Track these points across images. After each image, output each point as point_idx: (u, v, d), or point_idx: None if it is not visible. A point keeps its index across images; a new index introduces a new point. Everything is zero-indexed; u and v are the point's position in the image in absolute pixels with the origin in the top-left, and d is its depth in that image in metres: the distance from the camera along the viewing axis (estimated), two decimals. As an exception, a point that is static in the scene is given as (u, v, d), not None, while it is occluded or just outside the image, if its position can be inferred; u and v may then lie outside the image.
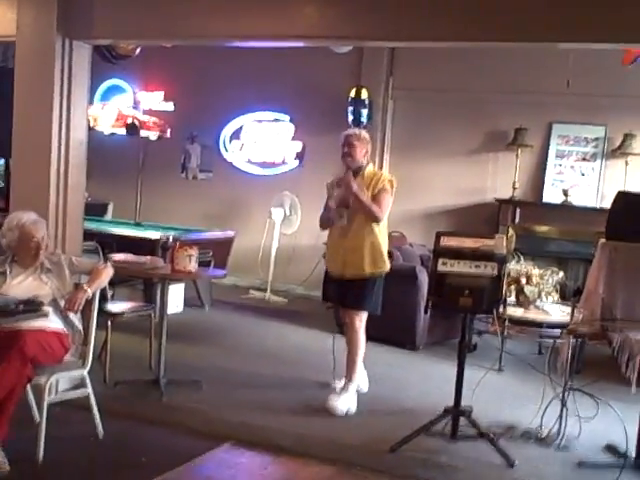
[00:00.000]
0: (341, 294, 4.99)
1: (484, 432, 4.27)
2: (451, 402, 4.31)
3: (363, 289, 4.90)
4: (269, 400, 4.85)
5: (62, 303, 4.03)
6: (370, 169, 5.07)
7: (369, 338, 6.62)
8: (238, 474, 3.83)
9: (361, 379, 5.10)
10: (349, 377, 4.91)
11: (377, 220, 4.88)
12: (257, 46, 5.07)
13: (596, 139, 8.01)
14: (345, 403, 4.77)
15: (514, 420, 4.73)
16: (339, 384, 5.03)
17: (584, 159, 8.06)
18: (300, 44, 4.92)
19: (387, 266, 4.99)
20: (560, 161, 8.15)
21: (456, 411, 4.28)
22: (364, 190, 4.85)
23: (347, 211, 4.90)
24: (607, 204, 7.16)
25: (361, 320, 4.96)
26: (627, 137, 7.69)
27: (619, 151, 7.77)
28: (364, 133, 5.15)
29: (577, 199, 7.89)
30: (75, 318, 4.11)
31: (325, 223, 5.09)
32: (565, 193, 7.89)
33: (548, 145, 8.17)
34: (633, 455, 4.17)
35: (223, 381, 5.23)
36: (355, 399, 4.84)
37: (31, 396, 4.09)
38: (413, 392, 5.28)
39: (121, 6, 4.74)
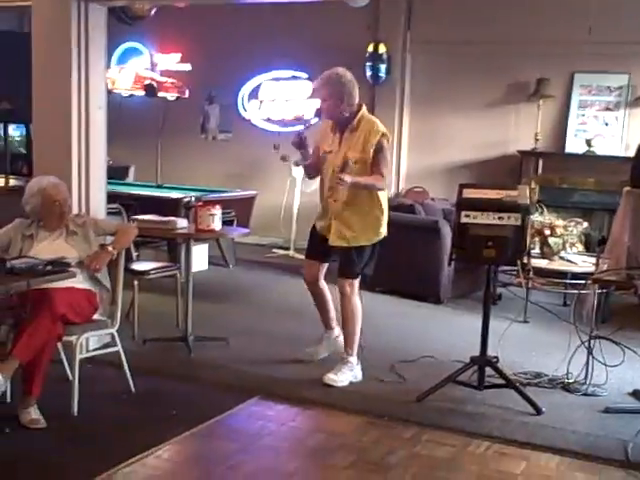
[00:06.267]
0: (325, 253, 4.66)
1: (510, 380, 4.29)
2: (476, 353, 4.33)
3: (351, 256, 4.50)
4: (295, 355, 4.89)
5: (88, 263, 4.08)
6: (363, 117, 4.46)
7: (393, 292, 6.74)
8: (267, 426, 3.89)
9: (357, 371, 4.56)
10: (348, 350, 4.53)
11: (382, 189, 4.48)
12: (272, 1, 5.02)
13: (619, 88, 7.88)
14: (346, 376, 4.45)
15: (540, 368, 4.75)
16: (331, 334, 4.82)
17: (607, 108, 7.95)
18: (316, -2, 4.86)
19: (381, 234, 4.58)
20: (583, 111, 8.04)
21: (482, 360, 4.29)
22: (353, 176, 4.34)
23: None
24: (631, 153, 7.09)
25: (351, 285, 4.51)
26: (651, 84, 7.57)
27: (643, 99, 7.65)
28: (332, 78, 4.42)
29: (601, 149, 7.80)
30: (102, 278, 4.16)
31: (311, 172, 4.76)
32: (588, 143, 7.79)
33: (570, 95, 8.05)
34: (659, 400, 4.19)
35: (249, 337, 5.28)
36: (359, 367, 4.55)
37: (63, 355, 4.18)
38: (438, 344, 5.30)
39: (135, -34, 4.71)
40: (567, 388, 4.47)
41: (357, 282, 4.56)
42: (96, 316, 4.10)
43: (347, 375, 4.48)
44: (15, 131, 9.62)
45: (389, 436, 3.82)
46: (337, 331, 4.84)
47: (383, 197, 4.54)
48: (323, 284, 4.76)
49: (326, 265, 4.73)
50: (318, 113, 9.00)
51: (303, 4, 5.22)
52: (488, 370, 4.31)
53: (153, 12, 7.56)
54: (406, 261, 6.64)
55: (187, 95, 9.02)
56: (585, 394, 4.40)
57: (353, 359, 4.53)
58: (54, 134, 4.84)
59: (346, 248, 4.50)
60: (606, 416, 4.12)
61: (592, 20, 7.22)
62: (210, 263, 7.50)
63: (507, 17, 7.90)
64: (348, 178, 4.27)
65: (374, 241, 4.55)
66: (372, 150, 4.38)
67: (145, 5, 6.95)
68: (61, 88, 4.75)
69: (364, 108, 4.51)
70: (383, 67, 8.63)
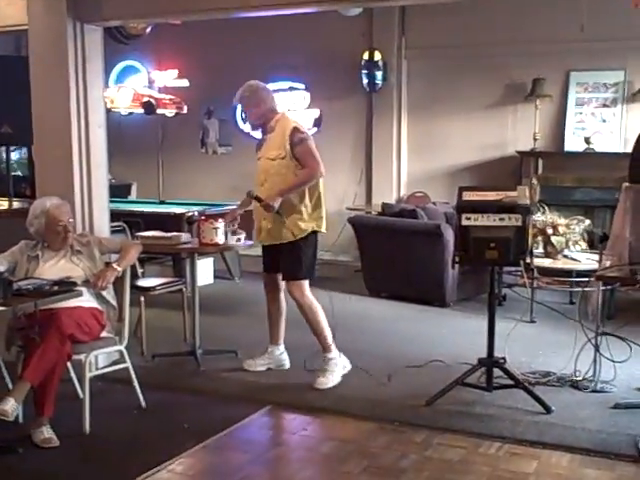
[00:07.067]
0: (271, 259, 4.74)
1: (519, 380, 4.30)
2: (484, 355, 4.34)
3: (289, 256, 4.59)
4: (304, 364, 4.91)
5: (93, 281, 4.12)
6: (280, 119, 4.68)
7: (398, 298, 6.76)
8: (278, 435, 3.93)
9: (344, 361, 4.71)
10: (324, 347, 4.64)
11: (319, 176, 4.54)
12: (267, 15, 5.05)
13: (615, 84, 7.91)
14: (335, 374, 4.57)
15: (548, 367, 4.76)
16: (256, 362, 4.84)
17: (604, 105, 7.97)
18: (309, 10, 4.89)
19: (310, 228, 4.59)
20: (580, 109, 8.06)
21: (489, 361, 4.31)
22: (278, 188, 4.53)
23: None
24: (630, 149, 7.09)
25: (299, 287, 4.60)
26: (647, 79, 7.59)
27: (640, 94, 7.67)
28: (249, 88, 4.71)
29: (600, 146, 7.81)
30: (109, 296, 4.20)
31: None
32: (587, 141, 7.81)
33: (567, 94, 8.08)
34: (669, 394, 4.19)
35: (258, 348, 5.27)
36: (343, 359, 4.68)
37: (73, 373, 4.20)
38: (445, 348, 5.31)
39: (129, -15, 4.75)
40: (576, 386, 4.48)
41: (305, 283, 4.63)
42: (104, 334, 4.13)
43: (336, 372, 4.57)
44: (16, 154, 9.69)
45: (400, 441, 3.84)
46: (282, 348, 4.90)
47: (311, 190, 4.58)
48: (281, 298, 4.84)
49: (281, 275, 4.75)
50: (316, 123, 9.06)
51: (297, 15, 5.24)
52: (496, 371, 4.33)
53: (148, 30, 7.63)
54: (410, 266, 6.67)
55: (185, 111, 9.06)
56: (594, 391, 4.41)
57: (333, 354, 4.62)
58: (55, 155, 4.88)
59: (283, 248, 4.57)
60: (616, 412, 4.12)
61: (584, 18, 7.24)
62: (216, 276, 7.54)
63: (500, 19, 7.94)
64: (274, 202, 4.47)
65: (302, 235, 4.56)
66: (289, 145, 4.49)
67: (140, 24, 7.00)
68: (60, 109, 4.80)
69: (283, 113, 4.78)
70: (379, 74, 8.68)
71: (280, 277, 4.76)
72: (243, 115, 4.82)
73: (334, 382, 4.53)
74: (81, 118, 4.84)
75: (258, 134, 5.04)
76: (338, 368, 4.61)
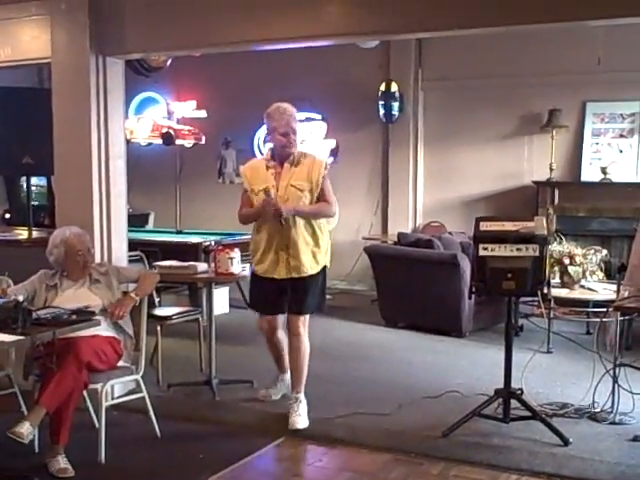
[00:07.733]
0: (277, 299, 4.52)
1: (536, 412, 4.26)
2: (501, 385, 4.31)
3: (304, 290, 4.43)
4: (320, 394, 4.86)
5: (112, 311, 4.14)
6: (302, 151, 4.54)
7: (415, 328, 6.75)
8: (294, 467, 3.90)
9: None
10: (298, 388, 4.50)
11: (332, 214, 4.49)
12: (285, 48, 5.13)
13: (632, 115, 7.93)
14: (306, 415, 4.41)
15: (566, 399, 4.73)
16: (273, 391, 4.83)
17: (621, 135, 7.99)
18: (327, 43, 4.95)
19: (327, 261, 4.53)
20: (597, 139, 8.08)
21: (506, 392, 4.28)
22: (297, 200, 4.38)
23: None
24: (647, 179, 7.11)
25: (304, 324, 4.49)
26: (663, 110, 7.60)
27: (656, 125, 7.68)
28: (293, 111, 4.50)
29: (616, 176, 7.81)
30: (125, 325, 4.22)
31: (247, 221, 4.62)
32: (604, 171, 7.82)
33: (583, 124, 8.11)
34: (689, 427, 4.14)
35: (273, 379, 5.28)
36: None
37: (89, 402, 4.21)
38: (462, 378, 5.28)
39: (151, 20, 4.81)
40: (594, 417, 4.44)
41: (308, 319, 4.54)
42: (120, 363, 4.14)
43: (305, 412, 4.42)
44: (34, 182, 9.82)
45: (417, 473, 3.80)
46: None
47: (324, 224, 4.52)
48: (281, 334, 4.71)
49: (284, 316, 4.61)
50: (332, 154, 9.11)
51: (315, 48, 5.31)
52: (514, 402, 4.30)
53: (169, 63, 7.74)
54: (427, 296, 6.66)
55: (204, 141, 9.15)
56: (612, 423, 4.36)
57: (303, 395, 4.50)
58: (75, 185, 4.94)
59: (298, 281, 4.41)
60: (635, 444, 4.08)
61: (601, 50, 7.29)
62: (231, 306, 7.55)
63: (518, 50, 7.99)
64: (286, 212, 4.29)
65: (319, 269, 4.47)
66: (321, 180, 4.40)
67: (161, 57, 7.11)
68: (81, 141, 4.87)
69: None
70: (396, 105, 8.75)
71: (281, 317, 4.64)
72: (290, 134, 4.43)
73: (306, 423, 4.37)
74: (101, 149, 4.91)
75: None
76: (306, 410, 4.46)
